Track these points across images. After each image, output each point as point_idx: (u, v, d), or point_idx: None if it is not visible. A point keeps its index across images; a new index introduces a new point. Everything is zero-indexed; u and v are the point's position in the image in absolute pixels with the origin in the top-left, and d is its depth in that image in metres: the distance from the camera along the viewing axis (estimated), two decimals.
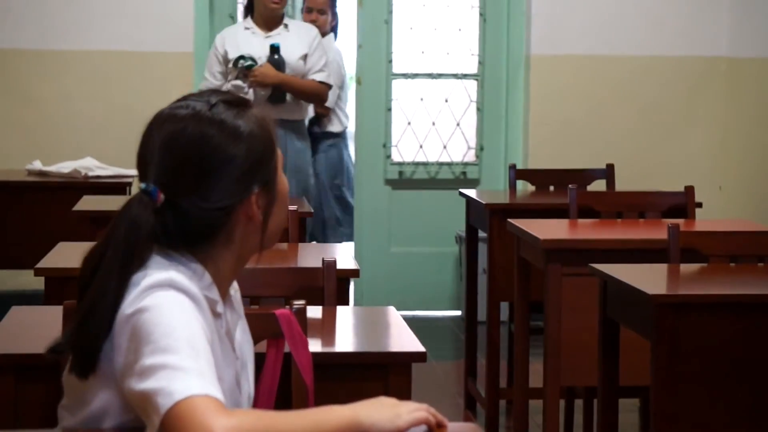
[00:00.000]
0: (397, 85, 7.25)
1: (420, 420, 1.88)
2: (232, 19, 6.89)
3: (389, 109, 7.21)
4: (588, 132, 7.04)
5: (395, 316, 2.88)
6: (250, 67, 5.77)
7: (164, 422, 1.79)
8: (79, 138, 6.64)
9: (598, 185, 5.59)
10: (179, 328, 1.86)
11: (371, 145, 7.16)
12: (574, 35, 7.02)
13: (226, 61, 5.82)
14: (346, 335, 2.89)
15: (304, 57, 5.90)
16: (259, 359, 2.29)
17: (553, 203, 5.09)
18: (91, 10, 6.67)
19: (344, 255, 3.70)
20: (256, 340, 2.34)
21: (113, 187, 5.52)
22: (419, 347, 2.58)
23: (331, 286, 2.95)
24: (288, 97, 5.88)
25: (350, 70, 7.66)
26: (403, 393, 2.46)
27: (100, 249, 1.96)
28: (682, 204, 4.71)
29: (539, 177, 5.60)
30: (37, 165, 5.99)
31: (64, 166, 5.90)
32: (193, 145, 1.98)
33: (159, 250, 1.99)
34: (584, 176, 5.50)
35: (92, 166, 5.88)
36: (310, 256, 3.81)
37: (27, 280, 5.98)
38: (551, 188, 5.49)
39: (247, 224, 2.02)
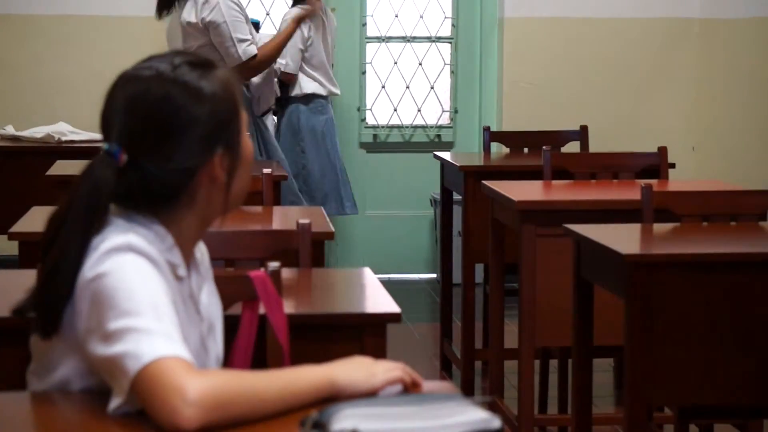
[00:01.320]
0: (371, 48, 7.24)
1: (395, 379, 1.89)
2: None
3: (363, 73, 7.20)
4: (561, 94, 7.05)
5: (370, 278, 2.88)
6: None
7: (134, 385, 1.79)
8: (53, 103, 6.61)
9: (572, 147, 5.60)
10: (141, 291, 1.86)
11: (346, 109, 7.15)
12: None
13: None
14: (322, 297, 2.89)
15: None
16: (235, 321, 2.30)
17: (527, 165, 5.10)
18: None
19: (319, 218, 3.71)
20: (231, 302, 2.34)
21: (87, 151, 5.42)
22: (394, 308, 2.59)
23: (306, 249, 2.96)
24: None
25: None
26: (379, 354, 2.46)
27: (63, 210, 1.96)
28: (656, 165, 4.73)
29: (513, 139, 5.62)
30: (10, 130, 5.96)
31: (38, 131, 5.88)
32: (156, 105, 1.96)
33: (120, 212, 1.98)
34: (558, 138, 5.52)
35: (65, 131, 5.87)
36: (285, 218, 3.81)
37: (1, 244, 5.97)
38: (525, 150, 5.50)
39: (211, 186, 2.01)
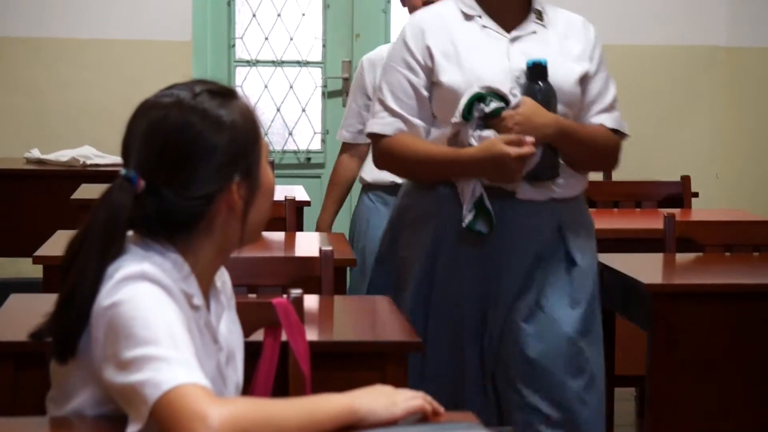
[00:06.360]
0: None
1: (416, 408, 1.89)
2: (230, 6, 6.87)
3: None
4: None
5: (391, 306, 2.89)
6: (497, 113, 2.98)
7: (154, 412, 1.78)
8: (78, 126, 6.65)
9: (595, 175, 5.59)
10: (157, 319, 1.85)
11: None
12: None
13: (428, 69, 3.06)
14: (343, 324, 2.90)
15: (584, 78, 3.19)
16: (256, 348, 2.30)
17: None
18: None
19: (341, 244, 3.72)
20: (253, 328, 2.34)
21: (111, 175, 5.39)
22: (415, 337, 2.60)
23: (328, 276, 2.97)
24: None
25: (347, 58, 7.66)
26: (399, 382, 2.47)
27: (81, 235, 1.96)
28: (679, 193, 4.73)
29: None
30: (36, 153, 5.99)
31: (63, 155, 5.91)
32: (175, 132, 1.97)
33: (138, 239, 1.99)
34: None
35: (90, 155, 5.89)
36: (307, 245, 3.82)
37: (25, 267, 6.00)
38: None
39: (228, 215, 2.00)
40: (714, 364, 3.18)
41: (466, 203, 2.95)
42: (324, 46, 6.86)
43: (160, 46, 6.68)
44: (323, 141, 6.88)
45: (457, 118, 2.96)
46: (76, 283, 1.92)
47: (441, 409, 1.92)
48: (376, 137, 3.10)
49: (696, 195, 4.85)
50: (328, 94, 6.90)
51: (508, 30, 3.09)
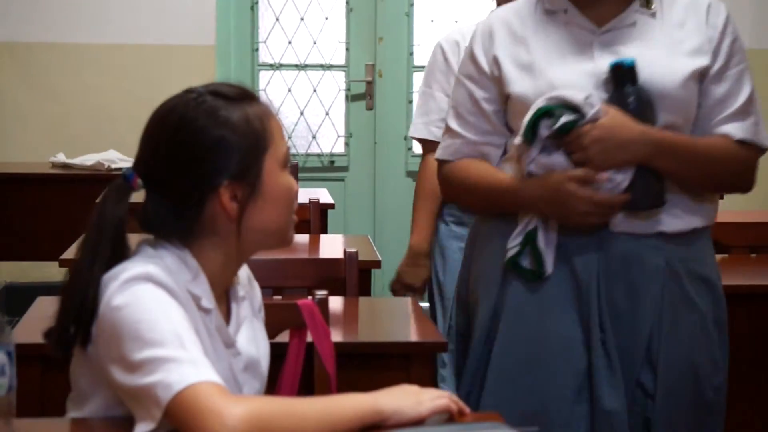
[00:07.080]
0: (418, 77, 7.26)
1: (442, 407, 1.88)
2: (253, 11, 6.88)
3: (410, 102, 7.22)
4: None
5: (416, 307, 2.89)
6: (569, 128, 2.39)
7: (168, 413, 1.77)
8: (102, 131, 6.67)
9: None
10: (162, 320, 1.84)
11: (392, 138, 7.17)
12: None
13: (496, 80, 2.54)
14: (368, 325, 2.90)
15: (702, 76, 2.56)
16: (282, 349, 2.31)
17: None
18: (114, 3, 6.70)
19: (365, 246, 3.72)
20: (279, 330, 2.35)
21: None
22: (440, 337, 2.60)
23: (352, 277, 2.97)
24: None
25: (370, 61, 7.68)
26: (426, 383, 2.47)
27: (84, 236, 1.97)
28: None
29: None
30: (61, 157, 6.02)
31: (88, 159, 5.93)
32: (171, 130, 1.95)
33: (152, 239, 1.98)
34: None
35: (115, 159, 5.92)
36: (331, 247, 3.82)
37: (51, 271, 6.02)
38: None
39: (228, 219, 1.97)
40: (739, 366, 3.17)
41: (514, 233, 2.45)
42: (347, 49, 6.87)
43: (184, 50, 6.71)
44: (347, 144, 6.90)
45: (518, 139, 2.42)
46: (74, 284, 1.92)
47: (467, 409, 1.92)
48: (438, 163, 2.66)
49: (721, 197, 4.82)
50: (351, 98, 6.91)
51: (602, 24, 2.50)
